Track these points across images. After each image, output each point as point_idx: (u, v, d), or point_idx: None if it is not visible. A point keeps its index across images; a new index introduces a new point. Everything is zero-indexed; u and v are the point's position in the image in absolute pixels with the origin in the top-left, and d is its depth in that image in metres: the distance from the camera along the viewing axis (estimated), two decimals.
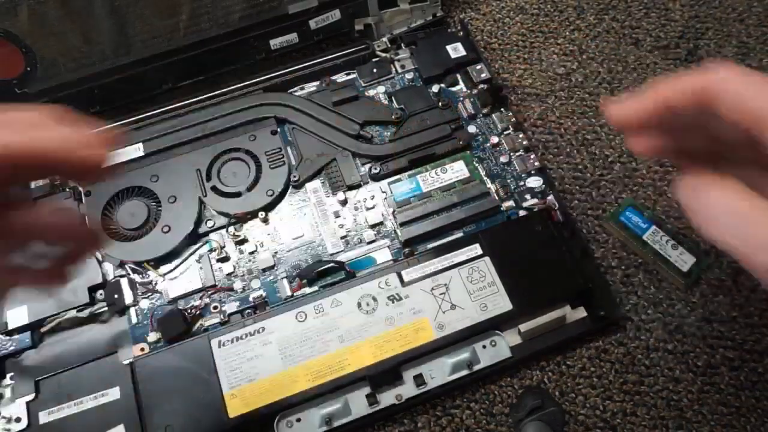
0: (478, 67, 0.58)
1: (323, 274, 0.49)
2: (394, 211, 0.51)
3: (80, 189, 0.53)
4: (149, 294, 0.49)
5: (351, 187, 0.53)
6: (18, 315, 0.47)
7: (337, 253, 0.50)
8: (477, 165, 0.53)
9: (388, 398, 0.44)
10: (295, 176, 0.53)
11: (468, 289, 0.46)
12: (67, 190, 0.53)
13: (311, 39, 0.60)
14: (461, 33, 0.60)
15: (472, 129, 0.55)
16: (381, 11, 0.60)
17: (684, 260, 0.49)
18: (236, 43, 0.58)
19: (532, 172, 0.53)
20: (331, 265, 0.48)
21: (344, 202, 0.52)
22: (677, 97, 0.27)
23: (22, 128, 0.24)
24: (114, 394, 0.44)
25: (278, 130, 0.55)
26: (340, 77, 0.59)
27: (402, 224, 0.50)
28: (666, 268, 0.49)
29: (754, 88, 0.24)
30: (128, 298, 0.48)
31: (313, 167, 0.53)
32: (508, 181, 0.53)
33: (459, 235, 0.51)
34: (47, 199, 0.52)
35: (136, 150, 0.54)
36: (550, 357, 0.47)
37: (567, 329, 0.47)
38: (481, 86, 0.57)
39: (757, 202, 0.25)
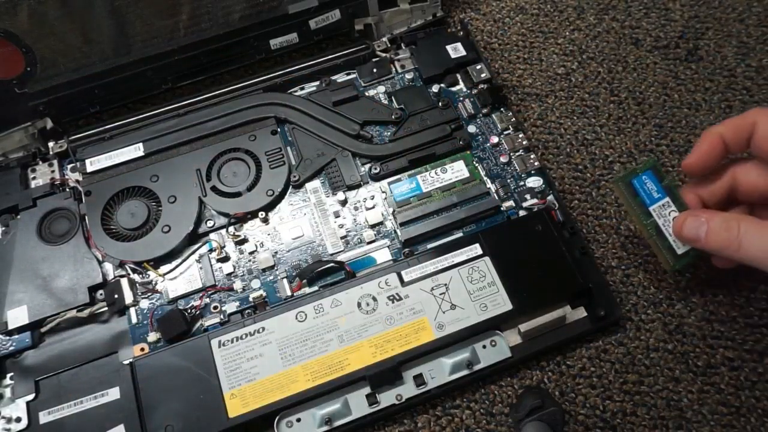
0: (478, 67, 0.58)
1: (323, 274, 0.49)
2: (394, 211, 0.51)
3: (80, 189, 0.53)
4: (149, 294, 0.49)
5: (351, 187, 0.53)
6: (18, 315, 0.47)
7: (337, 253, 0.50)
8: (477, 165, 0.53)
9: (388, 398, 0.44)
10: (295, 176, 0.53)
11: (468, 289, 0.46)
12: (67, 190, 0.53)
13: (311, 39, 0.60)
14: (461, 33, 0.60)
15: (472, 129, 0.55)
16: (381, 11, 0.60)
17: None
18: (236, 43, 0.58)
19: (532, 172, 0.53)
20: (331, 265, 0.48)
21: (344, 202, 0.52)
22: (728, 131, 0.40)
23: None
24: (114, 394, 0.44)
25: (278, 130, 0.55)
26: (340, 77, 0.59)
27: (402, 224, 0.50)
28: (660, 246, 0.45)
29: None
30: (128, 298, 0.48)
31: (313, 167, 0.53)
32: (508, 181, 0.53)
33: (459, 235, 0.51)
34: (47, 198, 0.52)
35: (136, 150, 0.54)
36: (550, 357, 0.47)
37: (567, 329, 0.47)
38: (481, 86, 0.57)
39: None
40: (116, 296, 0.48)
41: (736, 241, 0.38)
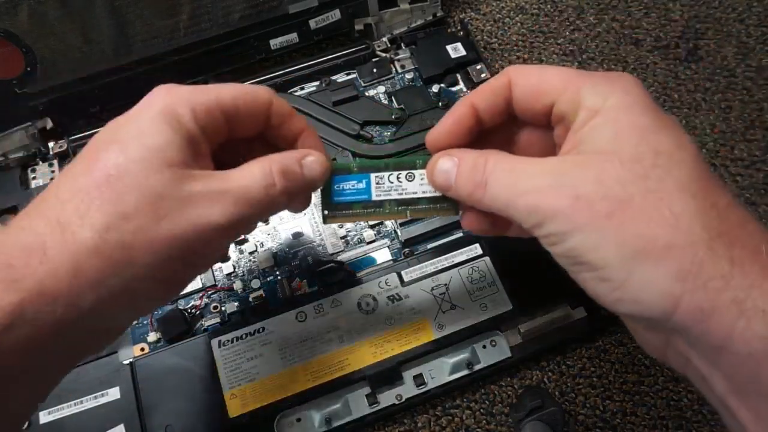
0: (478, 67, 0.58)
1: (323, 274, 0.49)
2: None
3: None
4: None
5: None
6: None
7: (337, 253, 0.50)
8: None
9: (388, 398, 0.44)
10: None
11: (468, 289, 0.46)
12: None
13: (311, 39, 0.60)
14: (461, 33, 0.60)
15: None
16: (381, 11, 0.60)
17: (428, 186, 0.34)
18: (236, 43, 0.58)
19: None
20: (331, 265, 0.48)
21: None
22: (482, 99, 0.33)
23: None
24: (114, 394, 0.44)
25: None
26: (340, 77, 0.59)
27: (402, 224, 0.50)
28: (430, 207, 0.34)
29: (539, 71, 0.31)
30: None
31: None
32: None
33: (459, 235, 0.50)
34: None
35: None
36: (550, 357, 0.47)
37: (567, 329, 0.47)
38: None
39: (520, 159, 0.30)
40: None
41: (482, 181, 0.30)
